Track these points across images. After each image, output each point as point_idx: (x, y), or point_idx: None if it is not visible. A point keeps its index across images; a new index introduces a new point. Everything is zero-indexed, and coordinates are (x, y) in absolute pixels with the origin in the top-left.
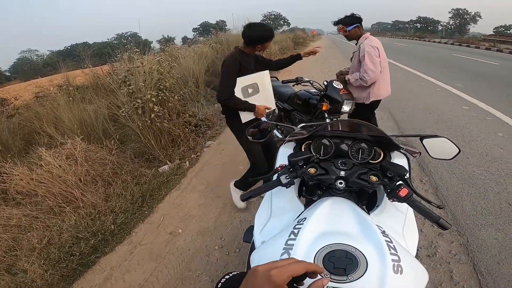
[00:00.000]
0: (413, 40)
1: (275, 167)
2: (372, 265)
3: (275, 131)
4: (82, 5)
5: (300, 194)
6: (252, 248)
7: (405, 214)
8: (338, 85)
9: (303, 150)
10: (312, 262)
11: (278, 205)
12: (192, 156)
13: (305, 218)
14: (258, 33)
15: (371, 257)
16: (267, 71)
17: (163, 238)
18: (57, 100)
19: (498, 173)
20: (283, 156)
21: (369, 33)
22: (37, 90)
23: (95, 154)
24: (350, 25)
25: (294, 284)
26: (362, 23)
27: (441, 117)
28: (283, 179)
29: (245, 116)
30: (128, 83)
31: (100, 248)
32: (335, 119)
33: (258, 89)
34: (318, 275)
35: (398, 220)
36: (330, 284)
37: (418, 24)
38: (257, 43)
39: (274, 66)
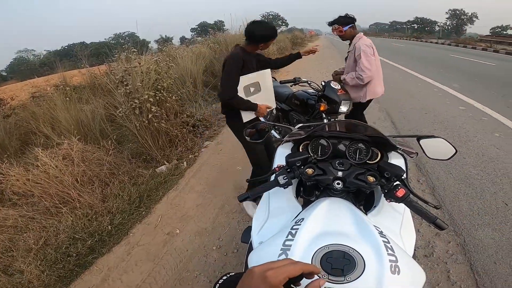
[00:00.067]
0: (410, 41)
1: (273, 168)
2: (369, 265)
3: (272, 131)
4: (80, 5)
5: (298, 194)
6: (250, 248)
7: (402, 215)
8: (335, 85)
9: (300, 150)
10: (310, 262)
11: (276, 205)
12: (190, 156)
13: (302, 219)
14: (262, 31)
15: (368, 257)
16: (268, 70)
17: (161, 238)
18: (53, 100)
19: (494, 173)
20: (280, 157)
21: (362, 33)
22: (33, 90)
23: (92, 155)
24: (346, 25)
25: (291, 285)
26: (361, 23)
27: (437, 118)
28: (281, 180)
29: (247, 116)
30: (125, 83)
31: (97, 249)
32: (333, 119)
33: (259, 88)
34: (315, 275)
35: (395, 220)
36: (328, 284)
37: (415, 25)
38: (260, 42)
39: (274, 65)
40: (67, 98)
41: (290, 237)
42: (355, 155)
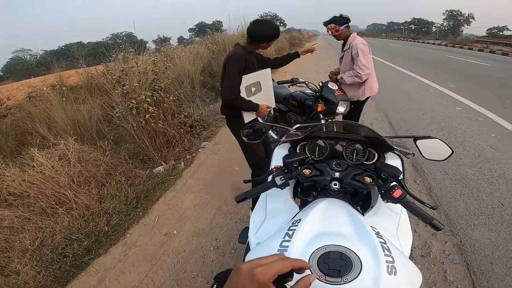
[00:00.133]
0: (407, 41)
1: (270, 168)
2: (366, 266)
3: (270, 131)
4: (78, 5)
5: (295, 195)
6: (248, 249)
7: (399, 215)
8: (333, 86)
9: (298, 151)
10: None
11: (273, 206)
12: (187, 157)
13: (299, 220)
14: (265, 31)
15: (365, 258)
16: (268, 69)
17: (158, 239)
18: (50, 100)
19: (490, 174)
20: (278, 157)
21: (355, 33)
22: (30, 90)
23: (88, 155)
24: (342, 25)
25: (285, 283)
26: (359, 24)
27: (434, 118)
28: (278, 181)
29: (248, 116)
30: (122, 83)
31: (93, 250)
32: (330, 120)
33: (260, 88)
34: (306, 271)
35: (392, 221)
36: (325, 286)
37: (412, 26)
38: (263, 41)
39: (272, 64)
40: (64, 98)
41: (287, 238)
42: (352, 155)
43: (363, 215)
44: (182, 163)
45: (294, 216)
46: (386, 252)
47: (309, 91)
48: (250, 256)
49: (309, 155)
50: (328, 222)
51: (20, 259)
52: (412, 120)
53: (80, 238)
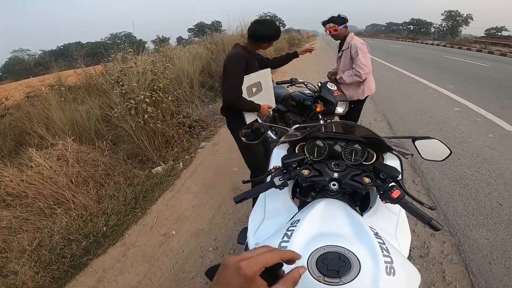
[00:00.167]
0: (406, 42)
1: (269, 169)
2: (365, 267)
3: (269, 132)
4: (78, 5)
5: (294, 195)
6: (246, 249)
7: (397, 215)
8: (332, 86)
9: (297, 151)
10: (306, 264)
11: (272, 207)
12: (186, 157)
13: (298, 220)
14: (266, 31)
15: (364, 259)
16: (268, 69)
17: (157, 239)
18: (48, 100)
19: (488, 174)
20: (276, 158)
21: (353, 33)
22: (28, 90)
23: (86, 155)
24: (341, 25)
25: (276, 276)
26: (358, 24)
27: (433, 119)
28: (277, 181)
29: (250, 117)
30: (121, 83)
31: (92, 250)
32: (329, 120)
33: (261, 88)
34: (296, 261)
35: (390, 221)
36: (324, 286)
37: (411, 26)
38: (264, 41)
39: (272, 64)
40: (62, 98)
41: (285, 238)
42: (351, 156)
43: (362, 215)
44: (181, 164)
45: (293, 217)
46: (385, 253)
47: (308, 91)
48: None
49: (308, 156)
50: (327, 223)
51: (18, 260)
52: (411, 120)
53: (79, 238)
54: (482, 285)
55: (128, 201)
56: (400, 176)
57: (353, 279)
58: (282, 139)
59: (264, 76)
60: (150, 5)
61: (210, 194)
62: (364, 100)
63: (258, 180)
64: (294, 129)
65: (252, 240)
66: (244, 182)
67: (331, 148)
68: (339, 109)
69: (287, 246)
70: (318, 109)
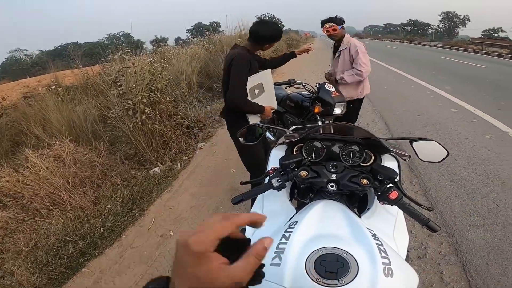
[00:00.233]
0: (403, 43)
1: (267, 170)
2: (363, 268)
3: (267, 133)
4: (77, 5)
5: (291, 197)
6: None
7: (395, 217)
8: (330, 87)
9: (295, 153)
10: (304, 266)
11: (270, 208)
12: (184, 158)
13: (296, 222)
14: (271, 32)
15: (362, 260)
16: (269, 70)
17: (154, 240)
18: (45, 101)
19: (485, 175)
20: (274, 159)
21: (348, 34)
22: (25, 90)
23: (83, 156)
24: (340, 25)
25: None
26: (356, 26)
27: (430, 120)
28: (275, 182)
29: (254, 120)
30: (118, 84)
31: (89, 251)
32: (327, 121)
33: (263, 89)
34: (262, 223)
35: (388, 222)
36: None
37: (408, 27)
38: (266, 42)
39: (270, 64)
40: (59, 99)
41: (284, 240)
42: (349, 157)
43: (360, 216)
44: (179, 164)
45: (291, 218)
46: (383, 254)
47: (306, 92)
48: None
49: (305, 157)
50: (324, 224)
51: (14, 261)
52: (408, 121)
53: (75, 239)
54: (480, 285)
55: (126, 202)
56: (397, 178)
57: (351, 281)
58: (280, 140)
59: (266, 77)
60: (150, 5)
61: (208, 195)
62: (362, 99)
63: (256, 181)
64: (292, 130)
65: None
66: (242, 183)
67: (329, 149)
68: (337, 110)
69: (285, 248)
70: (316, 110)
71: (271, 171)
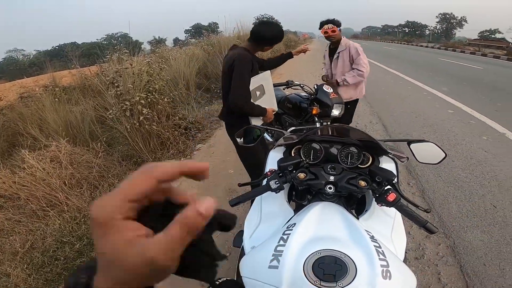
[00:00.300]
0: (401, 44)
1: (265, 172)
2: (361, 271)
3: (265, 134)
4: (75, 5)
5: (290, 198)
6: (242, 253)
7: (393, 218)
8: (328, 89)
9: (293, 154)
10: (302, 268)
11: (268, 210)
12: (182, 159)
13: (294, 224)
14: (272, 33)
15: (360, 262)
16: (268, 72)
17: None
18: (42, 101)
19: (482, 176)
20: (272, 161)
21: (344, 36)
22: (22, 91)
23: (80, 157)
24: (339, 27)
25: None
26: (354, 27)
27: (427, 121)
28: (273, 184)
29: (256, 122)
30: (116, 84)
31: (86, 253)
32: (325, 123)
33: (264, 91)
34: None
35: (386, 224)
36: None
37: (406, 28)
38: (268, 43)
39: (267, 65)
40: (56, 99)
41: (282, 242)
42: (347, 159)
43: (358, 218)
44: None
45: (289, 220)
46: (381, 256)
47: (304, 94)
48: (244, 261)
49: (304, 159)
50: (322, 226)
51: (10, 262)
52: (406, 123)
53: (72, 241)
54: (477, 286)
55: None
56: (395, 179)
57: (349, 284)
58: (278, 142)
59: (266, 79)
60: (150, 5)
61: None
62: (357, 100)
63: (254, 183)
64: (290, 131)
65: (248, 244)
66: (240, 185)
67: (327, 151)
68: (335, 112)
69: (283, 250)
70: (314, 112)
71: (269, 173)
